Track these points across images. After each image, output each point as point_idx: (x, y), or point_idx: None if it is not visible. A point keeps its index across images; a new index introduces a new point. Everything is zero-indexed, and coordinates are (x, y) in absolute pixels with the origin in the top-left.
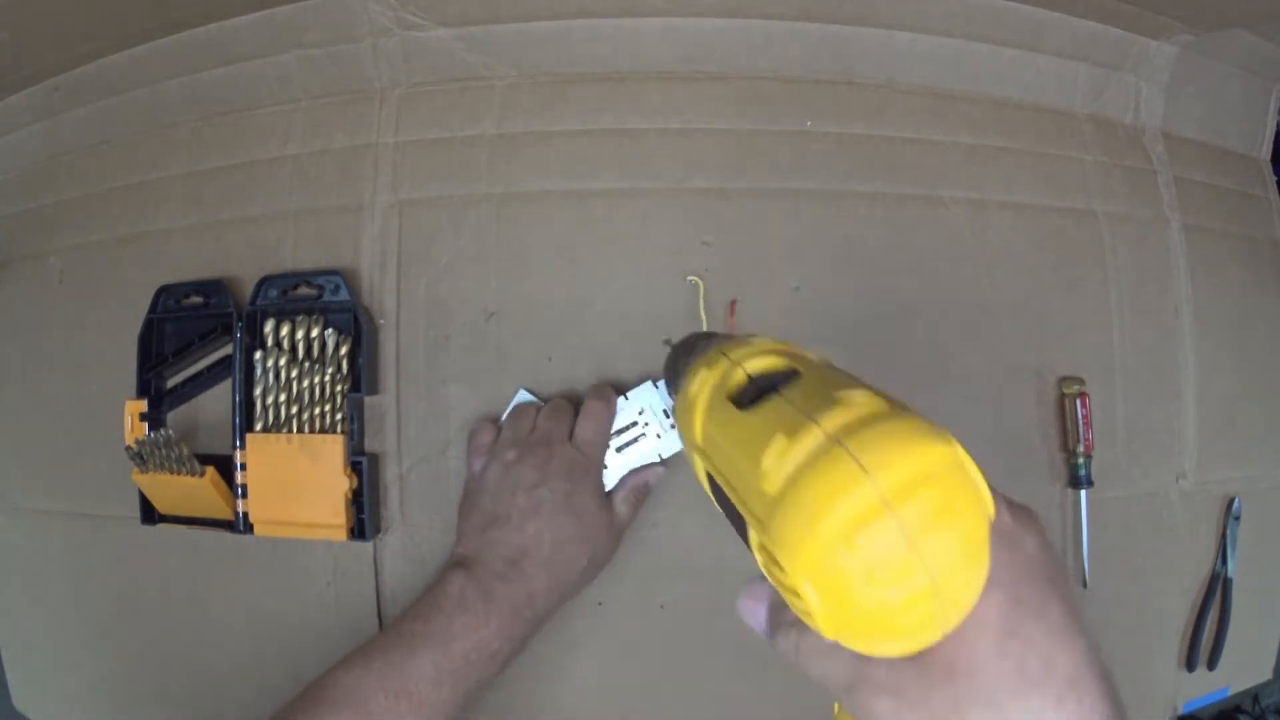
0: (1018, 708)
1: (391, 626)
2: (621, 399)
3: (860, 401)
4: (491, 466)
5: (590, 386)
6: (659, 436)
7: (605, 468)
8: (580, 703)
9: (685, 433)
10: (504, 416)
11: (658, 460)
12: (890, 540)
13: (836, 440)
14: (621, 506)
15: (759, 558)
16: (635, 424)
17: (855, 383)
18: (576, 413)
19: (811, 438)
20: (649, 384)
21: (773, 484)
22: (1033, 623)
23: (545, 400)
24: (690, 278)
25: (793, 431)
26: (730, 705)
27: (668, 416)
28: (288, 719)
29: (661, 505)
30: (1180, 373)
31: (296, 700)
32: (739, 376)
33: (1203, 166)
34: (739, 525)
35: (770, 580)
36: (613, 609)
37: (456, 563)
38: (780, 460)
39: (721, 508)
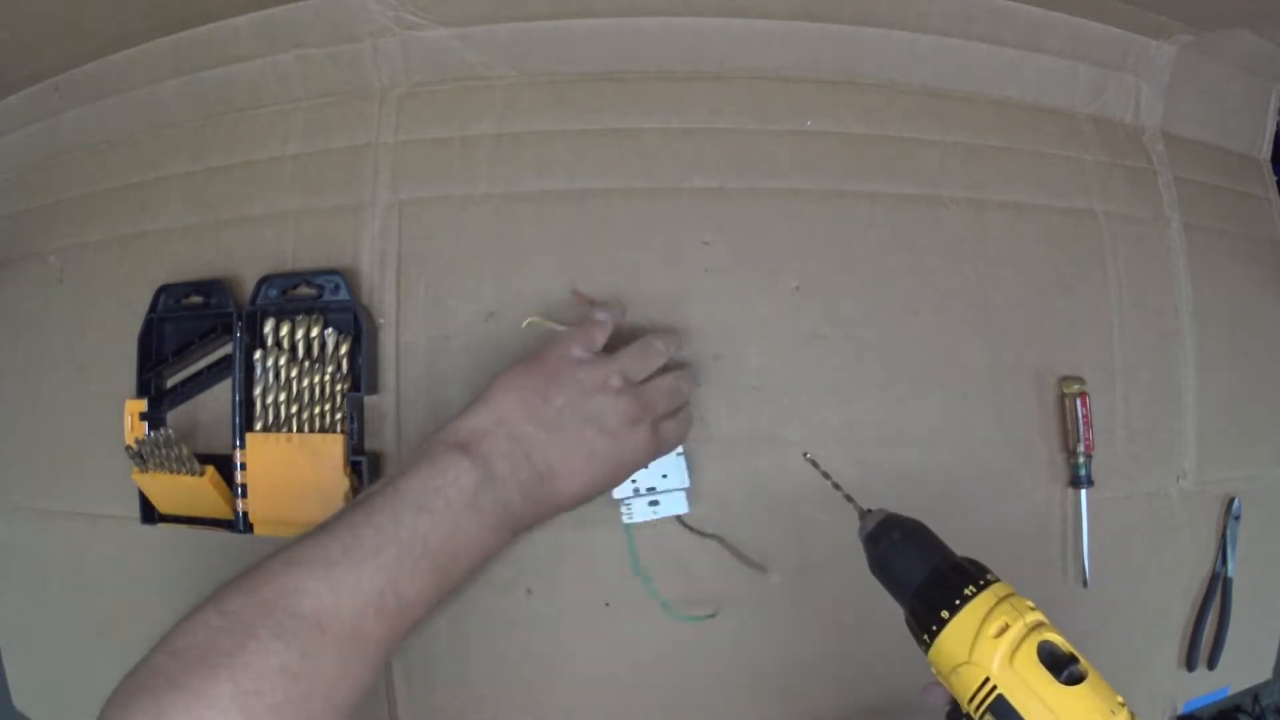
0: None
1: (395, 501)
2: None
3: (1124, 705)
4: (585, 374)
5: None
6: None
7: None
8: (581, 702)
9: (962, 651)
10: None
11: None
12: None
13: None
14: (670, 434)
15: None
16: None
17: (1112, 691)
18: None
19: None
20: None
21: None
22: None
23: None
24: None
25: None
26: (730, 705)
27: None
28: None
29: None
30: (1180, 373)
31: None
32: (1037, 640)
33: (1203, 166)
34: None
35: None
36: (614, 609)
37: (464, 444)
38: None
39: (995, 716)
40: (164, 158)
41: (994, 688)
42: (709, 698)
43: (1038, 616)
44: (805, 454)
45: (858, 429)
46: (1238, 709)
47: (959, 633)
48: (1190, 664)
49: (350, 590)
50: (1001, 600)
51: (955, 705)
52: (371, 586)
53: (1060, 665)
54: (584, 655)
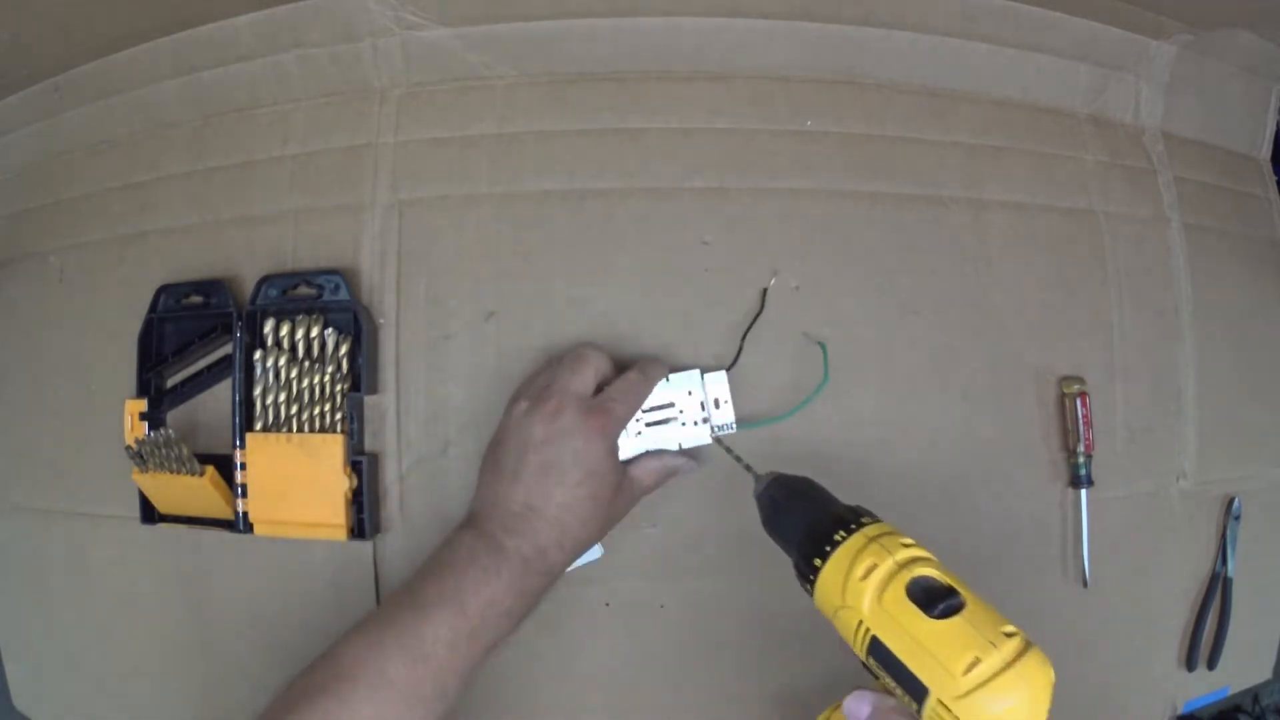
0: None
1: (403, 588)
2: (663, 379)
3: (1016, 635)
4: (507, 419)
5: (644, 357)
6: (684, 426)
7: (636, 428)
8: (581, 701)
9: (836, 596)
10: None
11: (677, 446)
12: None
13: (1010, 665)
14: (645, 477)
15: (930, 708)
16: (670, 406)
17: (1001, 616)
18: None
19: (995, 660)
20: (695, 373)
21: (971, 679)
22: None
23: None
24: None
25: (983, 652)
26: (730, 704)
27: (702, 409)
28: (305, 691)
29: (663, 505)
30: (1180, 372)
31: (310, 671)
32: (907, 578)
33: (1203, 166)
34: (906, 681)
35: (932, 717)
36: (614, 609)
37: (466, 521)
38: (976, 668)
39: (875, 659)
40: (164, 158)
41: (868, 629)
42: (709, 698)
43: (912, 554)
44: (720, 444)
45: (858, 429)
46: (1238, 709)
47: (832, 578)
48: (1190, 664)
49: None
50: (871, 541)
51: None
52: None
53: (936, 599)
54: (584, 655)
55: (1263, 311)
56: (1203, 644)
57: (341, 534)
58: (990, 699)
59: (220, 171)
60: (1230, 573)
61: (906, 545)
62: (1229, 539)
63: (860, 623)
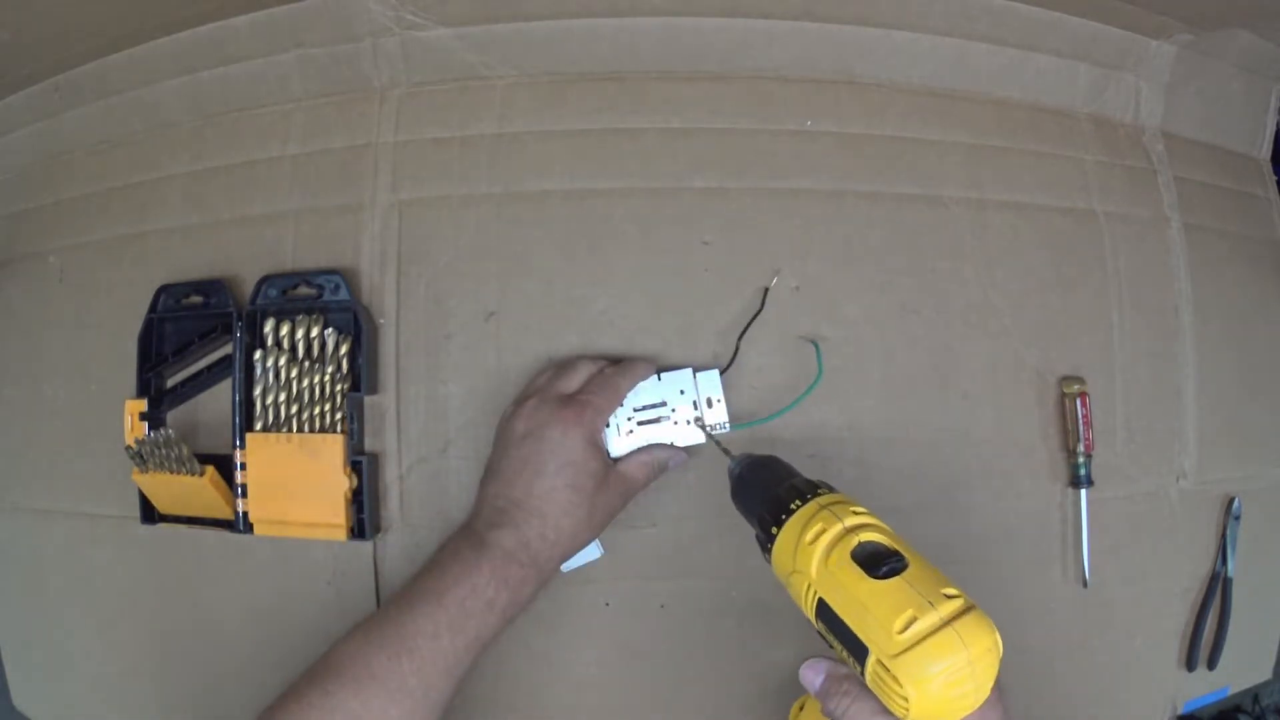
0: None
1: (397, 590)
2: (655, 378)
3: (955, 597)
4: (498, 427)
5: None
6: (676, 425)
7: (611, 430)
8: (581, 701)
9: (787, 559)
10: None
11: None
12: (965, 682)
13: (948, 623)
14: (635, 470)
15: (870, 668)
16: (662, 405)
17: (945, 579)
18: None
19: (932, 619)
20: (688, 371)
21: (906, 638)
22: (993, 703)
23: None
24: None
25: (920, 611)
26: (729, 705)
27: (695, 408)
28: (295, 686)
29: (662, 505)
30: (1180, 372)
31: (307, 670)
32: (854, 542)
33: (1203, 166)
34: (849, 642)
35: (873, 678)
36: (614, 609)
37: (461, 525)
38: (912, 627)
39: (823, 621)
40: (164, 158)
41: (815, 592)
42: (709, 697)
43: (861, 520)
44: (710, 439)
45: (858, 429)
46: (1238, 709)
47: (785, 543)
48: (1190, 664)
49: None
50: (823, 508)
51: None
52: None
53: (881, 561)
54: (584, 655)
55: (1263, 311)
56: (1203, 644)
57: (341, 534)
58: (925, 657)
59: (220, 171)
60: (1230, 573)
61: (857, 513)
62: (1229, 539)
63: (809, 586)
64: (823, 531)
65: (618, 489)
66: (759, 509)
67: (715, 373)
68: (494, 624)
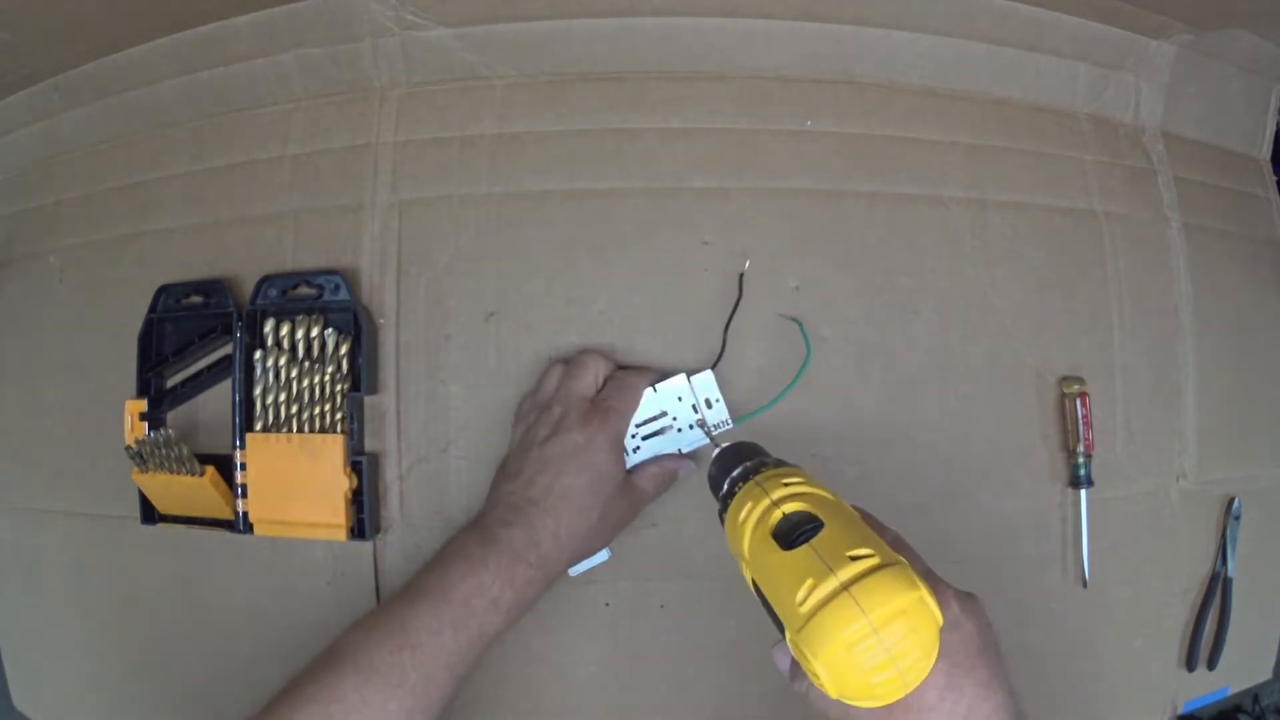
0: None
1: (401, 586)
2: (650, 390)
3: (863, 557)
4: (515, 431)
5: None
6: (680, 432)
7: (634, 444)
8: (581, 701)
9: (733, 543)
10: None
11: (678, 453)
12: (874, 652)
13: (845, 588)
14: (645, 481)
15: (789, 644)
16: (663, 415)
17: (865, 538)
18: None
19: (830, 585)
20: (683, 377)
21: (806, 609)
22: (965, 679)
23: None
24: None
25: (819, 578)
26: (729, 704)
27: (695, 413)
28: (298, 681)
29: (662, 505)
30: (1180, 373)
31: (308, 665)
32: (777, 515)
33: (1203, 166)
34: (774, 620)
35: (796, 655)
36: (614, 609)
37: (470, 522)
38: (810, 596)
39: (760, 602)
40: (164, 158)
41: (750, 572)
42: (709, 698)
43: (789, 490)
44: (717, 446)
45: (858, 429)
46: (1238, 709)
47: (730, 529)
48: (1190, 664)
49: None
50: (756, 486)
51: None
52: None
53: (794, 531)
54: (584, 655)
55: (1263, 311)
56: (1203, 644)
57: (341, 534)
58: (819, 628)
59: (220, 171)
60: (1230, 573)
61: (787, 484)
62: (1229, 539)
63: (745, 567)
64: (752, 510)
65: (631, 501)
66: (720, 493)
67: (709, 374)
68: (498, 622)
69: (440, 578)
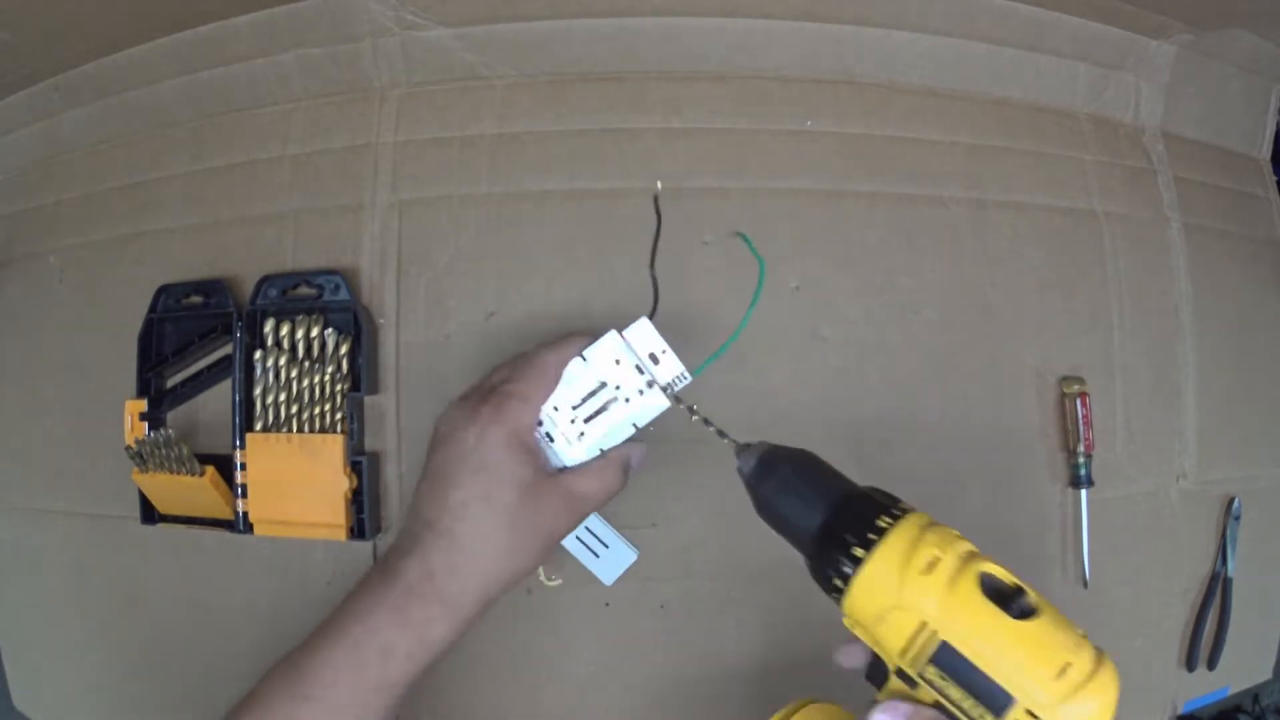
0: None
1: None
2: (579, 361)
3: (1089, 645)
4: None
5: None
6: (629, 401)
7: (559, 441)
8: (581, 701)
9: (887, 595)
10: None
11: (633, 430)
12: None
13: (1097, 669)
14: (583, 481)
15: (1013, 718)
16: (603, 387)
17: (1071, 624)
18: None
19: (1087, 663)
20: (613, 335)
21: (1062, 688)
22: None
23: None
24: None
25: (1075, 655)
26: (729, 704)
27: (641, 373)
28: None
29: (662, 505)
30: (1180, 372)
31: (225, 712)
32: (976, 572)
33: (1203, 166)
34: (983, 690)
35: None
36: (614, 609)
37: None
38: (1068, 675)
39: (938, 667)
40: (164, 158)
41: (934, 633)
42: (709, 698)
43: (969, 545)
44: (680, 403)
45: (858, 429)
46: (1238, 709)
47: (880, 573)
48: (1190, 664)
49: None
50: (925, 530)
51: (876, 661)
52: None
53: (1007, 598)
54: (584, 655)
55: (1263, 311)
56: (1203, 644)
57: (341, 534)
58: (1083, 705)
59: (220, 171)
60: (1230, 573)
61: (960, 537)
62: (1229, 539)
63: (923, 626)
64: (937, 560)
65: (560, 505)
66: (814, 529)
67: (644, 323)
68: (401, 670)
69: (339, 619)
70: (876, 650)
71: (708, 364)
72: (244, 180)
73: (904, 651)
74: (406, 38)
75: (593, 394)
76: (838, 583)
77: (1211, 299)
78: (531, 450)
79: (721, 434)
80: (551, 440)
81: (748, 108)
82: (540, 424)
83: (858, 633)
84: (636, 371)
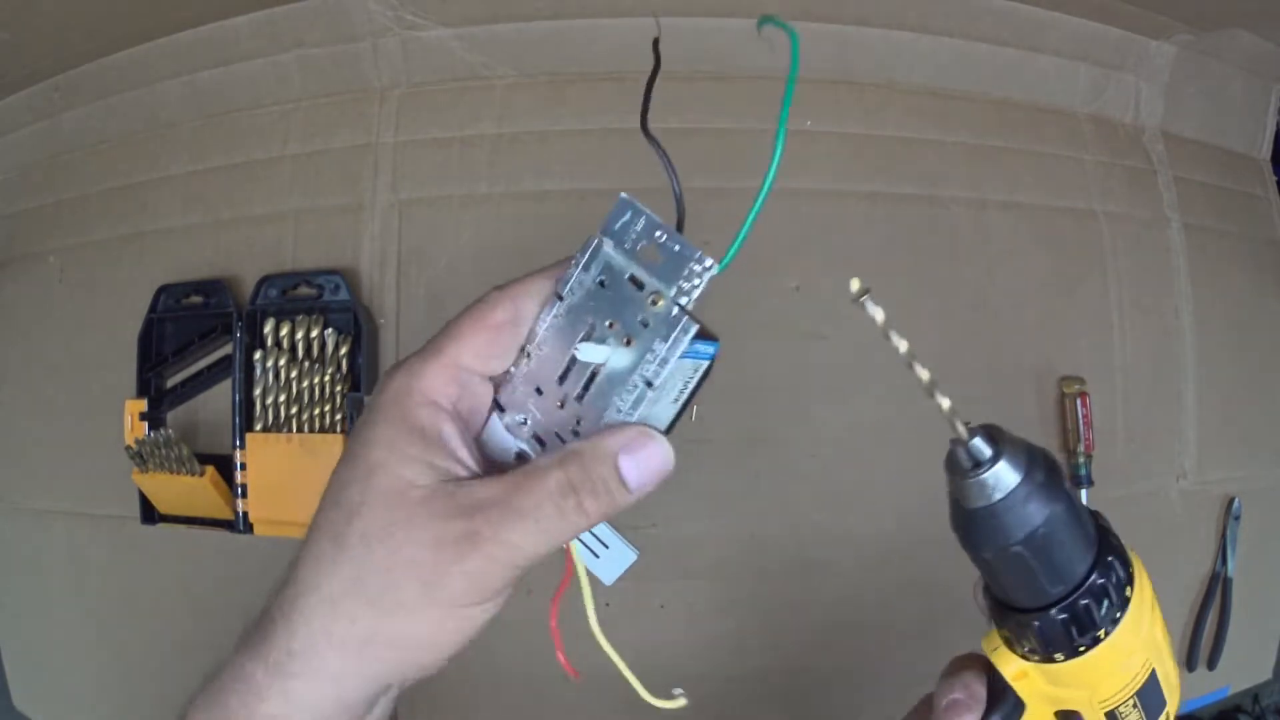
0: None
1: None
2: (555, 307)
3: None
4: None
5: None
6: (628, 346)
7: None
8: (582, 701)
9: (1133, 652)
10: None
11: (646, 389)
12: None
13: None
14: (515, 534)
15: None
16: (590, 334)
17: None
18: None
19: None
20: (593, 243)
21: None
22: None
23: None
24: None
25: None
26: (731, 706)
27: (641, 289)
28: None
29: (662, 505)
30: (1180, 373)
31: None
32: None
33: (1203, 166)
34: (1158, 703)
35: None
36: (614, 609)
37: None
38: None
39: (1139, 696)
40: (164, 158)
41: (1145, 661)
42: (710, 699)
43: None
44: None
45: (858, 429)
46: (1238, 709)
47: (1129, 634)
48: (1190, 664)
49: None
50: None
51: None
52: None
53: None
54: (584, 655)
55: (1263, 311)
56: (1203, 644)
57: None
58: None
59: (220, 171)
60: (1230, 573)
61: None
62: (1229, 539)
63: (1146, 662)
64: (1155, 621)
65: (464, 556)
66: (1082, 581)
67: (623, 199)
68: None
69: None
70: (1064, 706)
71: (740, 242)
72: (244, 180)
73: (1114, 695)
74: (406, 38)
75: (570, 370)
76: (1080, 648)
77: (1211, 299)
78: (431, 441)
79: (959, 421)
80: (544, 446)
81: (748, 108)
82: (503, 410)
83: (1019, 686)
84: (632, 286)
